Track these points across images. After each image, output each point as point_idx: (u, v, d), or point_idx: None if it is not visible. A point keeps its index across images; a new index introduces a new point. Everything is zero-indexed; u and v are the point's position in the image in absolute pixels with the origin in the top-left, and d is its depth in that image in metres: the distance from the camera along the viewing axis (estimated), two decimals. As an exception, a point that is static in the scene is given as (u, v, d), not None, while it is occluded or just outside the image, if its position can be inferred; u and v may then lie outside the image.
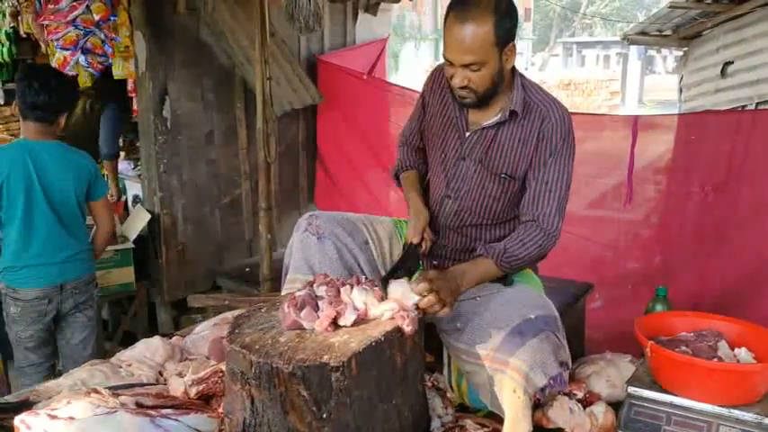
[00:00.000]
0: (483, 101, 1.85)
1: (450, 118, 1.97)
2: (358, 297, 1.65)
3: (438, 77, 2.04)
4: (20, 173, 2.73)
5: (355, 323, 1.60)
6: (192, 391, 1.88)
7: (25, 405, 1.88)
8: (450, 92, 1.90)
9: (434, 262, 2.06)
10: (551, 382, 1.64)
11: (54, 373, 2.93)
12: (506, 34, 1.75)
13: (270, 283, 3.55)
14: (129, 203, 4.47)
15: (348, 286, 1.69)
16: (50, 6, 3.61)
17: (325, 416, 1.45)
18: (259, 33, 3.28)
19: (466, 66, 1.76)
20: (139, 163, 4.32)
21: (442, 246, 2.05)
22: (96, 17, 3.58)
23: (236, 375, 1.53)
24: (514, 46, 1.81)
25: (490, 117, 1.90)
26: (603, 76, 19.20)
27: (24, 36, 4.46)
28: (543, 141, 1.85)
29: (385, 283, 1.69)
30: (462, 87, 1.80)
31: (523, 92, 1.88)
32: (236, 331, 1.61)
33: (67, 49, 3.61)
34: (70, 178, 2.83)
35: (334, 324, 1.60)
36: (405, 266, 1.81)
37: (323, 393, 1.44)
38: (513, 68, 1.89)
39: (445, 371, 2.00)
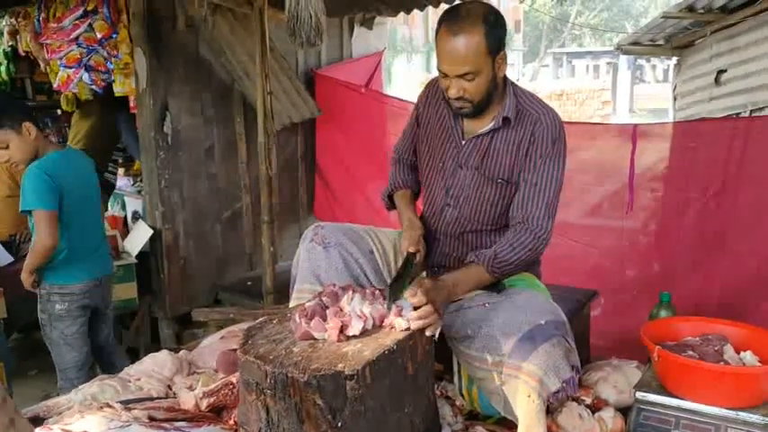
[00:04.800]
0: (479, 110, 1.90)
1: (447, 128, 2.03)
2: (358, 306, 1.66)
3: (433, 90, 2.09)
4: (76, 178, 2.94)
5: (366, 331, 1.62)
6: (204, 404, 1.89)
7: (35, 421, 1.88)
8: (446, 103, 1.96)
9: (434, 268, 2.08)
10: (564, 385, 1.66)
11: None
12: (497, 43, 1.81)
13: (272, 296, 3.55)
14: (129, 219, 4.47)
15: (349, 293, 1.70)
16: (52, 25, 3.64)
17: (339, 424, 1.46)
18: (259, 48, 3.32)
19: (461, 76, 1.81)
20: (138, 179, 4.33)
21: (443, 254, 2.08)
22: (99, 35, 3.60)
23: (250, 386, 1.54)
24: (505, 54, 1.87)
25: (484, 125, 1.95)
26: (594, 86, 19.29)
27: (23, 54, 4.48)
28: (534, 144, 1.90)
29: (390, 290, 1.70)
30: (458, 98, 1.85)
31: (515, 99, 1.94)
32: (250, 342, 1.62)
33: (71, 67, 3.64)
34: (94, 177, 3.12)
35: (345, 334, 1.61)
36: (405, 275, 1.84)
37: (338, 402, 1.45)
38: (505, 77, 1.95)
39: (455, 378, 2.01)
